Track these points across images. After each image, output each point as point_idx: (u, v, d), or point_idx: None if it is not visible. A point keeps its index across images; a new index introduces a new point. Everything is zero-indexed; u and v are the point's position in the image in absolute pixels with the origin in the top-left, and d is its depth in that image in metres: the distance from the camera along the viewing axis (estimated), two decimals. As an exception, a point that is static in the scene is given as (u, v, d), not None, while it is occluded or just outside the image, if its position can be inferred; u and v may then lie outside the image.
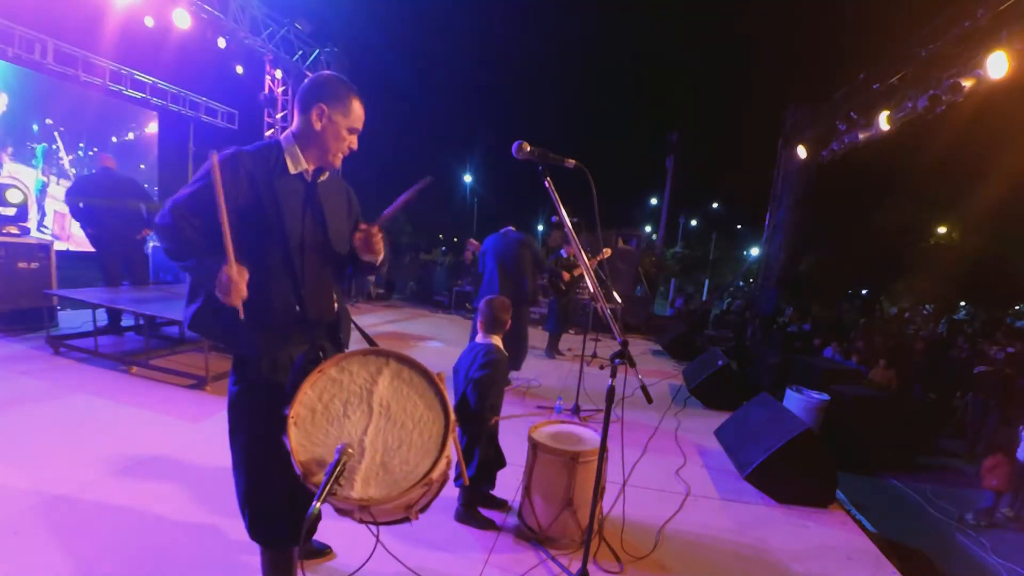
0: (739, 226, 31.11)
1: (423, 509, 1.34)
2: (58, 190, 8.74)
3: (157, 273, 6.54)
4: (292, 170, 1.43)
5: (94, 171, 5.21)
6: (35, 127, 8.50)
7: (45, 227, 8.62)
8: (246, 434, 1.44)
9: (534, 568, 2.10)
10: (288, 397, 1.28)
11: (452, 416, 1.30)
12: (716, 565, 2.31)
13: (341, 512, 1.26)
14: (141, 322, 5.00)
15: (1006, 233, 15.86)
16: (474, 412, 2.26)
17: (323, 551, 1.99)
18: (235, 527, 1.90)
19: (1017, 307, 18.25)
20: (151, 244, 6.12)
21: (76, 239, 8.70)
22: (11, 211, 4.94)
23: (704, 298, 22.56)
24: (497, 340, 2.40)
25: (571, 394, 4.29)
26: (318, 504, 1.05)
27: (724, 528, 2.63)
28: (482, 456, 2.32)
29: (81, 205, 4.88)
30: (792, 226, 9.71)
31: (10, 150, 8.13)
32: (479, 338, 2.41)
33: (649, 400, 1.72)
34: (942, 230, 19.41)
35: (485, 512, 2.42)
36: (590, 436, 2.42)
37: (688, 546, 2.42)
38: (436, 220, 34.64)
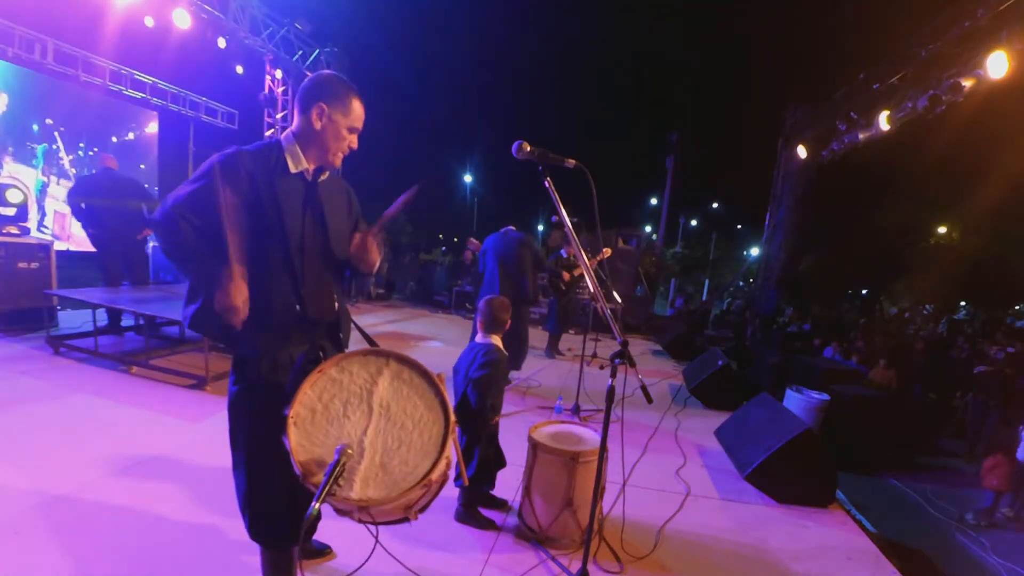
0: (739, 226, 31.14)
1: (422, 509, 1.34)
2: (58, 190, 8.74)
3: (157, 273, 6.54)
4: (293, 169, 1.43)
5: (95, 171, 5.21)
6: (35, 127, 8.50)
7: (45, 227, 8.62)
8: (246, 434, 1.44)
9: (534, 568, 2.10)
10: (288, 397, 1.28)
11: (452, 417, 1.30)
12: (716, 565, 2.31)
13: (340, 512, 1.26)
14: (141, 322, 5.00)
15: (1006, 233, 15.86)
16: (474, 412, 2.26)
17: (323, 551, 1.99)
18: (235, 527, 1.89)
19: (1017, 307, 18.24)
20: (151, 244, 6.12)
21: (76, 239, 8.70)
22: (11, 211, 4.94)
23: (704, 298, 22.56)
24: (497, 340, 2.40)
25: (571, 394, 4.29)
26: (317, 504, 1.06)
27: (724, 528, 2.63)
28: (482, 456, 2.32)
29: (83, 206, 4.88)
30: (792, 226, 9.71)
31: (11, 150, 8.12)
32: (479, 338, 2.41)
33: (649, 400, 1.72)
34: (942, 230, 19.41)
35: (485, 512, 2.42)
36: (590, 436, 2.42)
37: (688, 546, 2.42)
38: (436, 220, 34.68)
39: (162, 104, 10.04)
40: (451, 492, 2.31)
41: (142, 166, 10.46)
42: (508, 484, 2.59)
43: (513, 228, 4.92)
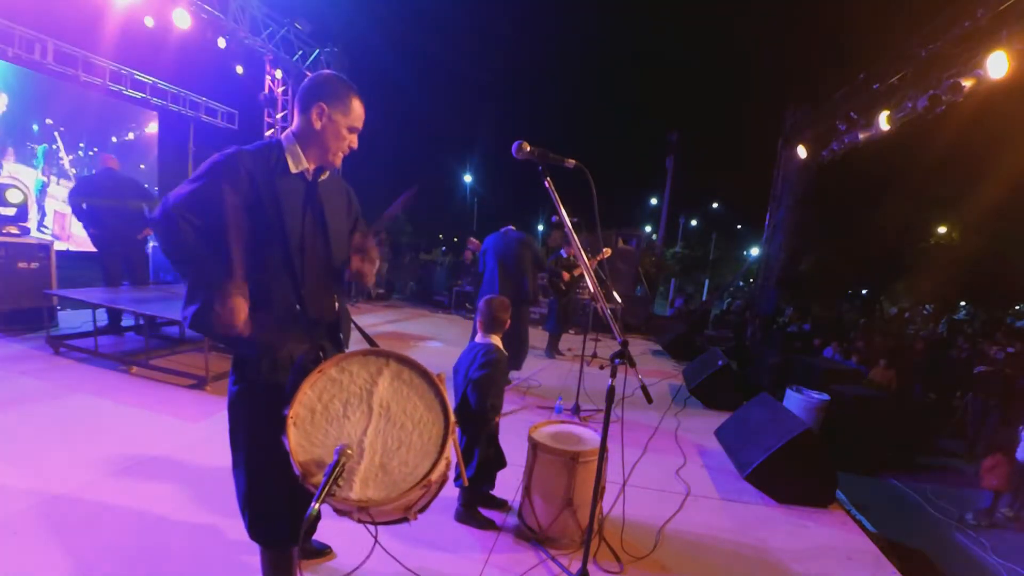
0: (739, 226, 31.17)
1: (422, 510, 1.34)
2: (58, 190, 8.74)
3: (157, 273, 6.55)
4: (293, 169, 1.43)
5: (96, 171, 5.21)
6: (35, 127, 8.50)
7: (45, 227, 8.62)
8: (246, 434, 1.44)
9: (534, 568, 2.10)
10: (288, 397, 1.28)
11: (452, 418, 1.30)
12: (716, 565, 2.31)
13: (340, 513, 1.26)
14: (141, 322, 5.00)
15: (1006, 233, 15.85)
16: (474, 412, 2.25)
17: (323, 551, 1.99)
18: (235, 527, 1.89)
19: (1017, 307, 18.23)
20: (151, 244, 6.13)
21: (76, 239, 8.70)
22: (11, 211, 4.94)
23: (704, 298, 22.55)
24: (496, 340, 2.40)
25: (571, 394, 4.29)
26: (317, 505, 1.05)
27: (724, 528, 2.63)
28: (482, 456, 2.32)
29: (84, 206, 4.88)
30: (792, 226, 9.72)
31: (11, 151, 8.12)
32: (478, 338, 2.41)
33: (649, 400, 1.72)
34: (942, 230, 19.42)
35: (485, 512, 2.42)
36: (590, 436, 2.42)
37: (688, 546, 2.42)
38: (436, 220, 34.67)
39: (162, 104, 10.05)
40: (451, 492, 2.31)
41: (142, 166, 10.46)
42: (508, 484, 2.59)
43: (513, 228, 4.92)
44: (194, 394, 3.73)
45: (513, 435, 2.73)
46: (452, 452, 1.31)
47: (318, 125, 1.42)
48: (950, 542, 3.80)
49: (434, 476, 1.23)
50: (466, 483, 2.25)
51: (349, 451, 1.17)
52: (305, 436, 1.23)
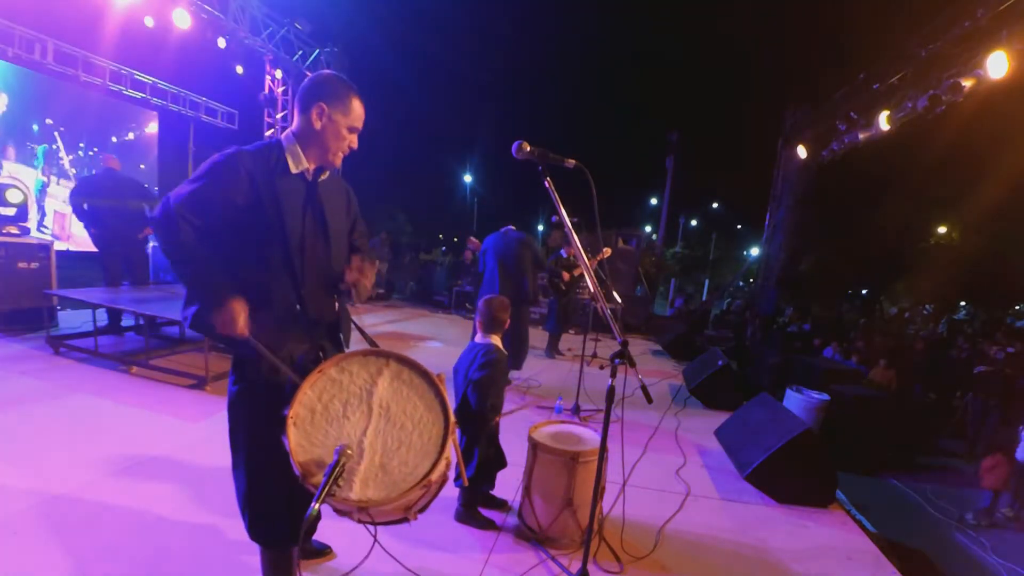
0: (739, 226, 31.16)
1: (422, 510, 1.34)
2: (58, 190, 8.74)
3: (157, 273, 6.54)
4: (293, 169, 1.43)
5: (98, 171, 5.22)
6: (35, 127, 8.50)
7: (45, 227, 8.62)
8: (246, 434, 1.44)
9: (534, 568, 2.10)
10: (288, 397, 1.28)
11: (452, 418, 1.30)
12: (716, 565, 2.31)
13: (340, 513, 1.26)
14: (141, 322, 5.00)
15: (1006, 233, 15.86)
16: (475, 413, 2.25)
17: (323, 551, 1.99)
18: (235, 527, 1.89)
19: (1017, 307, 18.23)
20: (151, 244, 6.13)
21: (76, 239, 8.70)
22: (11, 211, 4.95)
23: (704, 298, 22.55)
24: (496, 340, 2.40)
25: (571, 394, 4.29)
26: (317, 505, 1.05)
27: (724, 528, 2.63)
28: (482, 456, 2.32)
29: (86, 207, 4.89)
30: (792, 226, 9.72)
31: (13, 155, 8.12)
32: (478, 338, 2.41)
33: (649, 400, 1.72)
34: (942, 230, 19.42)
35: (485, 512, 2.42)
36: (590, 436, 2.42)
37: (688, 546, 2.42)
38: (436, 220, 34.69)
39: (162, 104, 10.05)
40: (451, 492, 2.31)
41: (142, 166, 10.46)
42: (508, 484, 2.59)
43: (513, 228, 4.92)
44: (194, 394, 3.73)
45: (513, 435, 2.73)
46: (452, 452, 1.31)
47: (318, 125, 1.42)
48: (950, 542, 3.80)
49: (434, 476, 1.23)
50: (466, 483, 2.24)
51: (349, 451, 1.17)
52: (305, 436, 1.23)
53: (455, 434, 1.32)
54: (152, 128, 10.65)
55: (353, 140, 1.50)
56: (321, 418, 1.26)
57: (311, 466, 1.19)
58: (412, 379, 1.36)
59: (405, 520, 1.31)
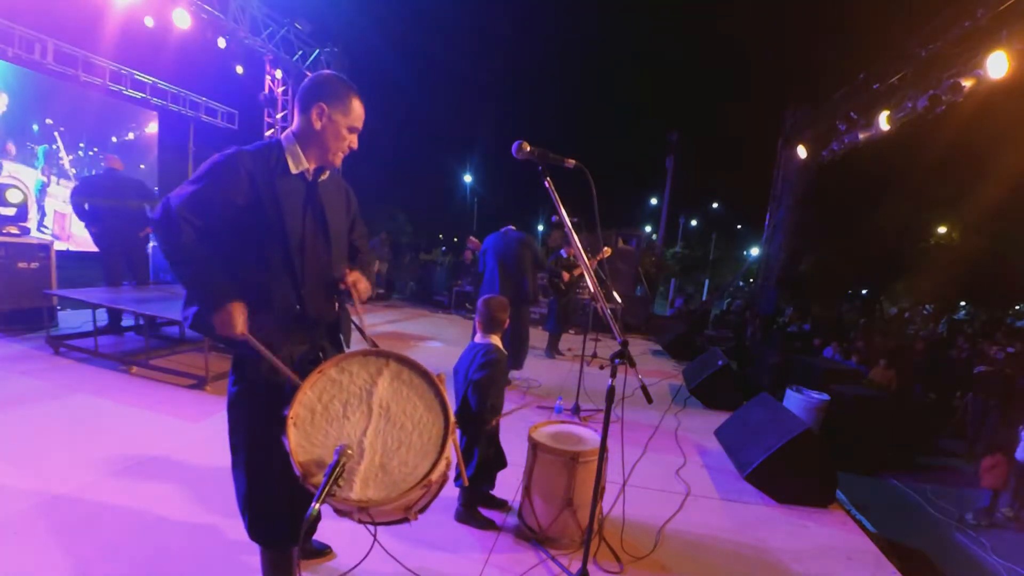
0: (739, 226, 31.16)
1: (422, 510, 1.34)
2: (58, 190, 8.73)
3: (157, 273, 6.55)
4: (293, 170, 1.43)
5: (95, 172, 5.23)
6: (35, 127, 8.50)
7: (45, 227, 8.62)
8: (246, 434, 1.44)
9: (534, 568, 2.10)
10: (288, 397, 1.28)
11: (452, 418, 1.30)
12: (716, 565, 2.31)
13: (340, 513, 1.26)
14: (141, 322, 5.00)
15: (1006, 233, 15.85)
16: (475, 413, 2.25)
17: (323, 551, 1.99)
18: (235, 527, 1.89)
19: (1017, 307, 18.24)
20: (151, 244, 6.13)
21: (76, 239, 8.70)
22: (11, 211, 4.95)
23: (704, 298, 22.56)
24: (496, 339, 2.40)
25: (571, 394, 4.29)
26: (317, 505, 1.05)
27: (724, 528, 2.63)
28: (482, 456, 2.32)
29: (87, 207, 4.90)
30: (792, 226, 9.73)
31: (13, 149, 8.12)
32: (478, 338, 2.41)
33: (649, 400, 1.72)
34: (942, 230, 19.41)
35: (485, 512, 2.42)
36: (590, 436, 2.42)
37: (688, 546, 2.42)
38: (436, 220, 34.68)
39: (162, 104, 10.05)
40: (451, 492, 2.31)
41: (142, 166, 10.46)
42: (508, 484, 2.59)
43: (513, 228, 4.92)
44: (194, 394, 3.73)
45: (513, 435, 2.73)
46: (452, 452, 1.31)
47: (318, 125, 1.42)
48: (950, 542, 3.80)
49: (434, 476, 1.23)
50: (466, 483, 2.24)
51: (349, 451, 1.17)
52: (305, 436, 1.23)
53: (455, 434, 1.32)
54: (152, 128, 10.65)
55: (353, 140, 1.50)
56: (321, 418, 1.26)
57: (311, 466, 1.19)
58: (412, 379, 1.36)
59: (405, 520, 1.31)
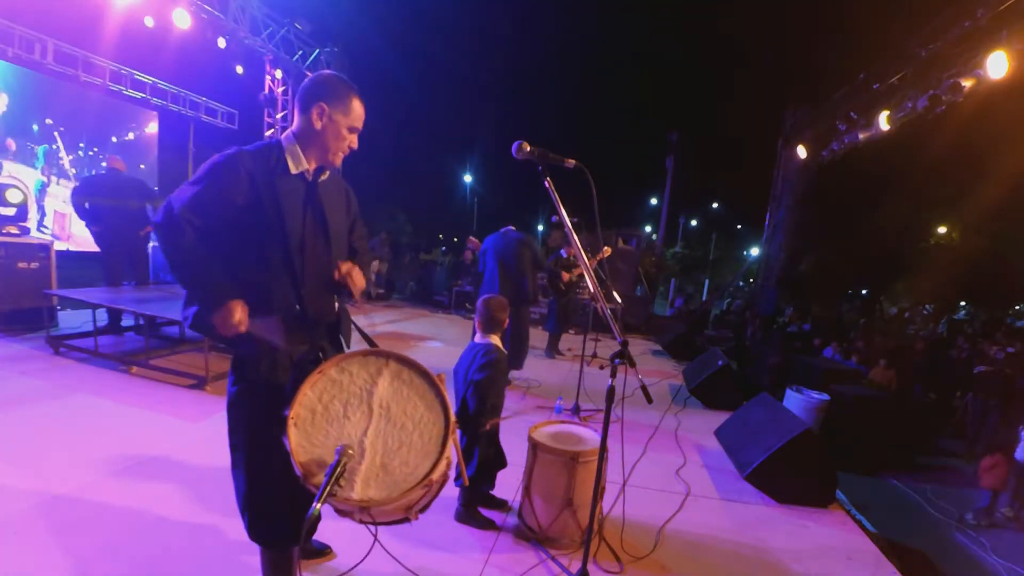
0: (739, 226, 31.15)
1: (423, 510, 1.34)
2: (58, 190, 8.73)
3: (157, 273, 6.55)
4: (293, 170, 1.43)
5: (96, 172, 5.24)
6: (35, 127, 8.50)
7: (45, 227, 8.62)
8: (245, 434, 1.44)
9: (534, 568, 2.10)
10: (288, 397, 1.28)
11: (452, 418, 1.30)
12: (716, 565, 2.31)
13: (341, 513, 1.26)
14: (141, 322, 5.00)
15: (1006, 233, 15.85)
16: (475, 414, 2.26)
17: (323, 551, 1.99)
18: (235, 527, 1.89)
19: (1017, 307, 18.24)
20: (151, 244, 6.14)
21: (76, 239, 8.70)
22: (11, 211, 4.95)
23: (704, 298, 22.56)
24: (496, 339, 2.40)
25: (571, 394, 4.29)
26: (318, 505, 1.05)
27: (724, 528, 2.63)
28: (482, 456, 2.32)
29: (87, 205, 4.91)
30: (792, 226, 9.72)
31: (13, 145, 8.11)
32: (478, 338, 2.41)
33: (649, 400, 1.72)
34: (942, 230, 19.41)
35: (485, 512, 2.42)
36: (590, 436, 2.42)
37: (688, 546, 2.42)
38: (436, 220, 34.68)
39: (162, 104, 10.05)
40: (451, 492, 2.31)
41: (142, 166, 10.46)
42: (508, 484, 2.59)
43: (513, 228, 4.92)
44: (194, 394, 3.73)
45: (513, 435, 2.74)
46: (453, 452, 1.31)
47: (318, 125, 1.42)
48: (950, 542, 3.80)
49: (435, 476, 1.23)
50: (466, 483, 2.24)
51: (350, 451, 1.17)
52: (306, 437, 1.23)
53: (455, 434, 1.32)
54: (152, 128, 10.65)
55: (353, 140, 1.50)
56: (322, 418, 1.26)
57: (312, 466, 1.19)
58: (412, 379, 1.36)
59: (406, 520, 1.31)
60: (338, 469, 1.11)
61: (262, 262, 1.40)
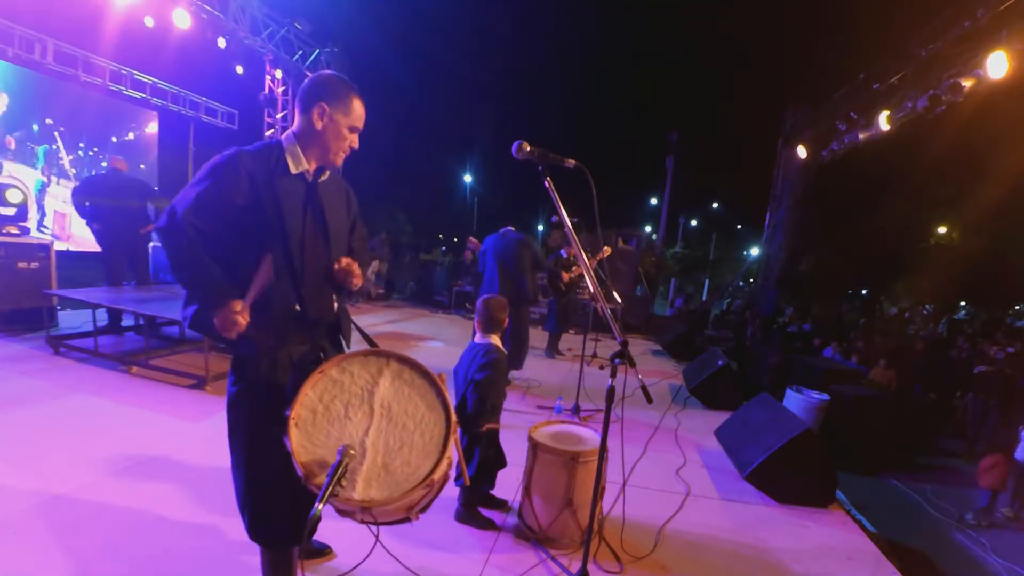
0: (739, 226, 31.16)
1: (423, 509, 1.34)
2: (58, 190, 8.74)
3: (158, 273, 6.55)
4: (293, 170, 1.43)
5: (96, 172, 5.24)
6: (35, 127, 8.50)
7: (45, 227, 8.62)
8: (245, 434, 1.44)
9: (534, 568, 2.10)
10: (289, 397, 1.28)
11: (453, 417, 1.30)
12: (716, 565, 2.31)
13: (342, 513, 1.26)
14: (141, 322, 5.01)
15: (1006, 233, 15.85)
16: (474, 413, 2.26)
17: (323, 551, 1.99)
18: (235, 527, 1.89)
19: (1017, 307, 18.24)
20: (152, 244, 6.14)
21: (76, 239, 8.70)
22: (11, 211, 4.95)
23: (704, 298, 22.56)
24: (496, 339, 2.40)
25: (571, 394, 4.29)
26: (320, 506, 1.05)
27: (724, 528, 2.63)
28: (482, 456, 2.32)
29: (87, 204, 4.91)
30: (792, 226, 9.73)
31: (12, 143, 8.11)
32: (477, 338, 2.41)
33: (649, 400, 1.72)
34: (942, 230, 19.41)
35: (485, 512, 2.42)
36: (590, 436, 2.42)
37: (688, 546, 2.42)
38: (436, 220, 34.68)
39: (162, 104, 10.05)
40: (451, 492, 2.31)
41: (142, 166, 10.46)
42: (508, 484, 2.59)
43: (512, 228, 4.93)
44: (194, 394, 3.73)
45: (513, 435, 2.74)
46: (454, 451, 1.31)
47: (319, 125, 1.42)
48: (950, 542, 3.80)
49: (437, 475, 1.23)
50: (467, 482, 2.24)
51: (351, 451, 1.17)
52: (307, 437, 1.23)
53: (456, 433, 1.32)
54: (152, 128, 10.66)
55: (354, 140, 1.50)
56: (323, 419, 1.26)
57: (314, 467, 1.19)
58: (413, 379, 1.36)
59: (407, 520, 1.31)
60: (340, 469, 1.11)
61: (262, 262, 1.40)
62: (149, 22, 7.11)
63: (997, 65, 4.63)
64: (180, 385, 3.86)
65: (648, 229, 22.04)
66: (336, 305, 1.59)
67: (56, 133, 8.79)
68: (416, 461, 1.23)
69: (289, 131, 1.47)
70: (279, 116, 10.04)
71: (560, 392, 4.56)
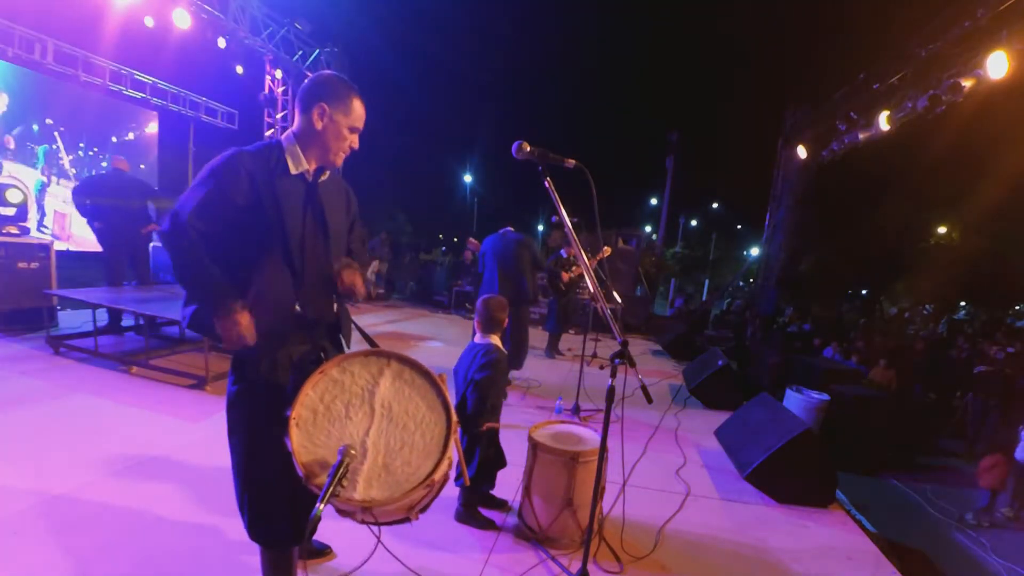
0: (739, 226, 31.16)
1: (424, 509, 1.34)
2: (58, 190, 8.73)
3: (158, 273, 6.56)
4: (293, 170, 1.43)
5: (96, 172, 5.25)
6: (35, 127, 8.50)
7: (45, 227, 8.62)
8: (245, 434, 1.44)
9: (534, 568, 2.10)
10: (289, 398, 1.28)
11: (454, 417, 1.30)
12: (716, 565, 2.31)
13: (343, 513, 1.26)
14: (141, 322, 5.01)
15: (1006, 233, 15.86)
16: (474, 413, 2.26)
17: (323, 551, 1.99)
18: (235, 527, 1.89)
19: (1017, 307, 18.24)
20: (152, 244, 6.14)
21: (76, 239, 8.70)
22: (11, 211, 4.95)
23: (704, 298, 22.56)
24: (496, 339, 2.40)
25: (571, 394, 4.29)
26: (321, 506, 1.05)
27: (724, 528, 2.63)
28: (482, 456, 2.32)
29: (88, 203, 4.92)
30: (792, 226, 9.73)
31: (12, 142, 8.11)
32: (477, 338, 2.41)
33: (649, 400, 1.72)
34: (942, 230, 19.42)
35: (485, 512, 2.42)
36: (590, 436, 2.42)
37: (688, 546, 2.42)
38: (436, 220, 34.67)
39: (162, 104, 10.05)
40: (451, 492, 2.31)
41: (142, 166, 10.46)
42: (508, 484, 2.59)
43: (511, 229, 4.93)
44: (194, 394, 3.73)
45: (513, 435, 2.74)
46: (454, 451, 1.31)
47: (319, 125, 1.42)
48: (950, 542, 3.80)
49: (437, 475, 1.23)
50: (467, 482, 2.25)
51: (352, 451, 1.16)
52: (308, 437, 1.23)
53: (457, 433, 1.32)
54: (152, 128, 10.65)
55: (354, 140, 1.50)
56: (323, 419, 1.26)
57: (314, 467, 1.19)
58: (414, 379, 1.36)
59: (407, 520, 1.31)
60: (341, 469, 1.11)
61: (262, 263, 1.40)
62: (149, 22, 7.12)
63: (997, 65, 4.63)
64: (180, 385, 3.86)
65: (648, 229, 22.05)
66: (336, 305, 1.59)
67: (56, 133, 8.79)
68: (417, 461, 1.23)
69: (289, 131, 1.47)
70: (279, 116, 10.04)
71: (560, 392, 4.56)
